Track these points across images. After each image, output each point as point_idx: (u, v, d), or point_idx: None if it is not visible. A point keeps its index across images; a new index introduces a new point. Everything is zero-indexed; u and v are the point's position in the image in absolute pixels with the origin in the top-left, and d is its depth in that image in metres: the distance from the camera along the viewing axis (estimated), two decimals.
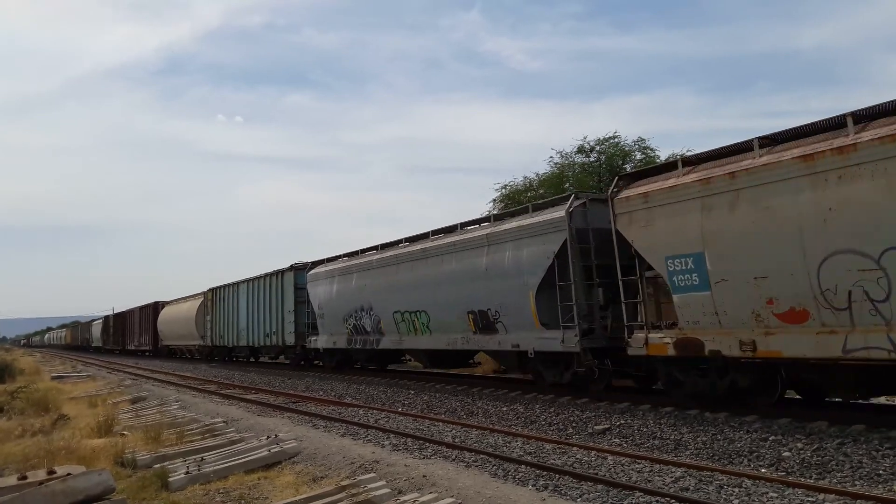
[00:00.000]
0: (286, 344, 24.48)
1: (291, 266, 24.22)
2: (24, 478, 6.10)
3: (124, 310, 55.04)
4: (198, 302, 35.27)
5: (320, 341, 21.65)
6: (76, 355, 64.14)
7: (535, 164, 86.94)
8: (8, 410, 14.59)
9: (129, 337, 51.72)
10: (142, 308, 47.50)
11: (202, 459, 8.68)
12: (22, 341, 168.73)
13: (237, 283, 29.67)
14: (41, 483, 5.83)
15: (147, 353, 47.71)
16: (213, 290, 32.92)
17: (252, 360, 31.67)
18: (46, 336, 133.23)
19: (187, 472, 7.97)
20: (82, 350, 76.29)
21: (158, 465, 8.42)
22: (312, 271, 22.38)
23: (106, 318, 63.07)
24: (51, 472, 6.16)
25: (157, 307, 44.21)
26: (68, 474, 5.98)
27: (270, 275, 25.89)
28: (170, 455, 9.07)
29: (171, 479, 7.74)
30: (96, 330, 67.07)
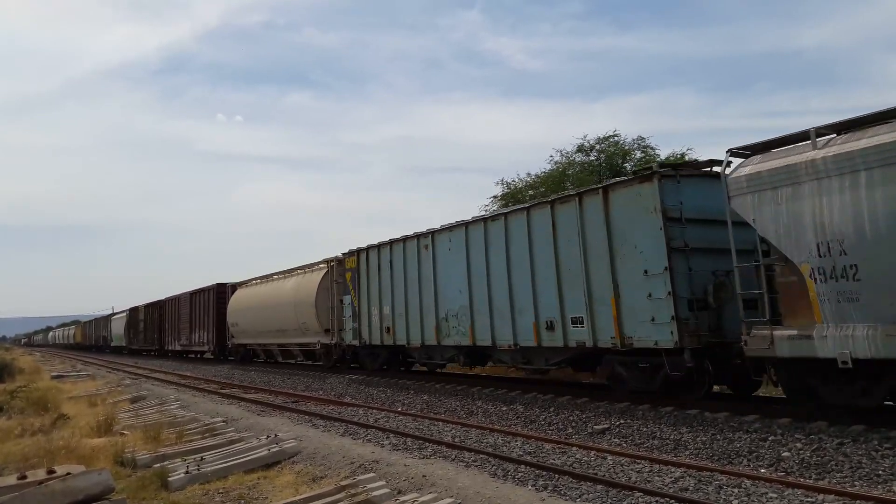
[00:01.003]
0: (625, 343, 11.00)
1: (649, 169, 10.90)
2: (24, 477, 6.10)
3: (162, 298, 42.33)
4: (318, 275, 22.52)
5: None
6: (92, 358, 52.73)
7: (535, 163, 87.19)
8: (8, 410, 14.60)
9: (172, 334, 39.23)
10: (196, 293, 35.00)
11: (202, 459, 8.70)
12: (23, 340, 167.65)
13: (430, 234, 15.97)
14: (41, 483, 5.82)
15: (202, 356, 35.72)
16: (360, 252, 19.21)
17: (432, 370, 18.65)
18: (50, 335, 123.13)
19: (187, 472, 7.98)
20: (98, 351, 66.03)
21: (158, 465, 8.43)
22: (791, 160, 8.78)
23: (132, 310, 50.65)
24: (50, 472, 6.15)
25: (222, 290, 32.12)
26: (68, 474, 5.98)
27: (554, 201, 12.41)
28: (169, 455, 9.07)
29: (170, 479, 7.76)
30: (117, 326, 56.10)
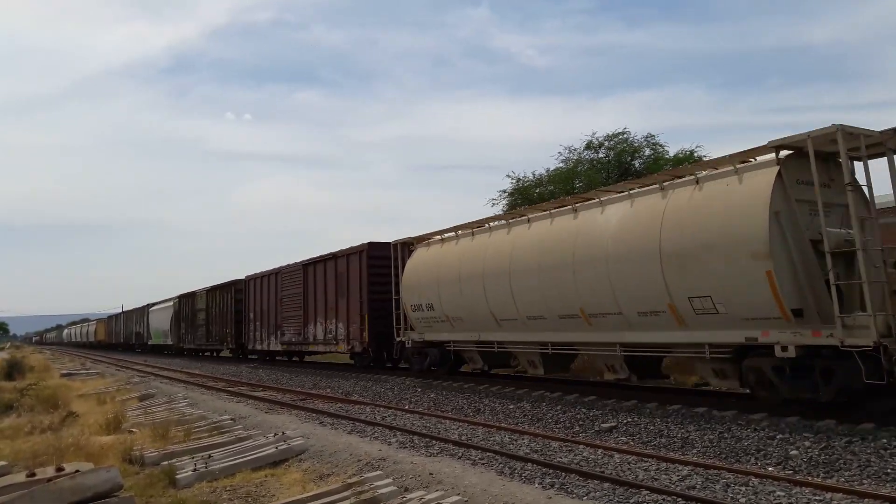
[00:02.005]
0: None
1: None
2: (33, 475, 6.15)
3: (245, 276, 29.35)
4: (764, 180, 8.84)
5: None
6: (109, 358, 44.69)
7: (543, 160, 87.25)
8: (17, 407, 14.71)
9: (264, 327, 26.86)
10: (318, 262, 22.22)
11: (210, 457, 8.72)
12: (34, 338, 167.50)
13: None
14: (50, 480, 5.87)
15: (297, 358, 26.59)
16: None
17: None
18: (65, 332, 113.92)
19: (195, 470, 8.02)
20: (129, 350, 55.27)
21: (166, 463, 8.47)
22: None
23: (184, 297, 38.41)
24: (59, 469, 6.20)
25: (381, 254, 18.97)
26: (77, 471, 6.02)
27: None
28: (177, 452, 9.11)
29: (178, 477, 7.79)
30: (158, 319, 44.52)
